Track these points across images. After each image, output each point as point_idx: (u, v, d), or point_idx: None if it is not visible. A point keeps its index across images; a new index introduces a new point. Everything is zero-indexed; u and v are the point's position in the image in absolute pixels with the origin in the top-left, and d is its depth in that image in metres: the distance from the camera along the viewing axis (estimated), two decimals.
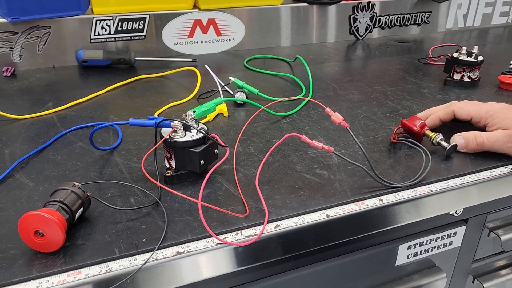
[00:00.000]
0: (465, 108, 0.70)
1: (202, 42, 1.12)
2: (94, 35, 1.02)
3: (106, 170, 0.63)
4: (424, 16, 1.31)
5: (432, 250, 0.67)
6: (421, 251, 0.66)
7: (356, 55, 1.19)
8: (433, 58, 1.10)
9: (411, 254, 0.65)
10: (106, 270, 0.46)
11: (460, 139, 0.67)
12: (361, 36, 1.26)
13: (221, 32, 1.12)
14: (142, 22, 1.05)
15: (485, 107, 0.69)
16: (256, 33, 1.16)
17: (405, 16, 1.29)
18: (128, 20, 1.03)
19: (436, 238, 0.66)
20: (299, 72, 1.02)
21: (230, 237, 0.51)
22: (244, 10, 1.13)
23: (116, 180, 0.60)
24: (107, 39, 1.03)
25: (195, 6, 1.09)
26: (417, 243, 0.65)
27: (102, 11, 1.01)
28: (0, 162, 0.64)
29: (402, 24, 1.29)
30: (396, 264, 0.65)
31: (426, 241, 0.65)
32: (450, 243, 0.68)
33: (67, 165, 0.64)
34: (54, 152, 0.67)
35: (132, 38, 1.05)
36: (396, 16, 1.28)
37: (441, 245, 0.67)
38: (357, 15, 1.23)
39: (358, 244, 0.58)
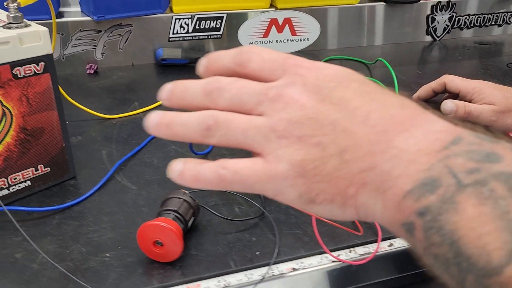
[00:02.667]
0: (455, 81, 0.75)
1: (276, 41, 1.10)
2: (173, 33, 1.02)
3: None
4: (506, 17, 1.25)
5: None
6: None
7: (435, 57, 1.15)
8: None
9: None
10: (225, 285, 0.46)
11: (451, 104, 0.70)
12: (438, 37, 1.21)
13: (296, 31, 1.10)
14: (220, 21, 1.04)
15: (474, 83, 0.74)
16: (331, 33, 1.13)
17: (486, 16, 1.23)
18: (206, 19, 1.03)
19: None
20: (379, 75, 0.99)
21: (344, 255, 0.50)
22: (320, 9, 1.10)
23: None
24: (185, 38, 1.03)
25: (271, 5, 1.08)
26: None
27: (182, 9, 1.01)
28: (99, 163, 0.65)
29: (482, 24, 1.23)
30: None
31: None
32: None
33: (164, 169, 0.64)
34: (149, 155, 0.68)
35: (209, 37, 1.05)
36: (477, 16, 1.22)
37: None
38: (435, 15, 1.18)
39: None
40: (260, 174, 0.30)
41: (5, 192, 0.55)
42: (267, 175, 0.30)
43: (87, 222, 0.53)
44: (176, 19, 1.01)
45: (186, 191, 0.52)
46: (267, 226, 0.53)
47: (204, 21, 1.03)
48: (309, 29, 1.11)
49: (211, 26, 1.04)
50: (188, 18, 1.02)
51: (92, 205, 0.56)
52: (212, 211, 0.53)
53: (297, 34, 1.11)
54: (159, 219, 0.47)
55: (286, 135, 0.30)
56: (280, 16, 1.08)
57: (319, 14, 1.10)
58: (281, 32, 1.09)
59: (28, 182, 0.57)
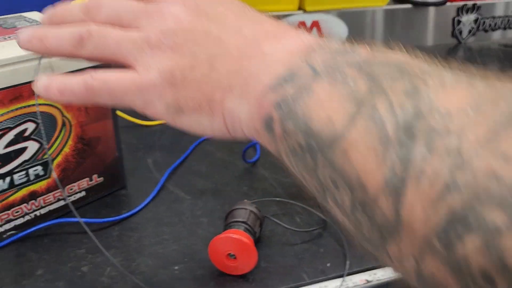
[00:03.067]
0: None
1: None
2: None
3: (257, 184, 0.62)
4: None
5: None
6: None
7: (460, 59, 1.14)
8: None
9: None
10: None
11: None
12: (463, 39, 1.21)
13: (324, 34, 1.09)
14: None
15: None
16: (358, 35, 1.13)
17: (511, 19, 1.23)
18: None
19: None
20: None
21: None
22: (348, 11, 1.09)
23: (279, 197, 0.58)
24: None
25: (300, 8, 1.07)
26: None
27: None
28: (146, 171, 0.64)
29: (508, 27, 1.23)
30: None
31: None
32: None
33: (215, 178, 0.63)
34: (196, 163, 0.67)
35: None
36: (502, 18, 1.22)
37: None
38: (461, 17, 1.18)
39: None
40: (130, 84, 0.31)
41: (62, 203, 0.54)
42: (137, 85, 0.31)
43: (148, 234, 0.52)
44: None
45: (251, 202, 0.51)
46: (331, 236, 0.52)
47: None
48: (337, 32, 1.10)
49: None
50: None
51: (149, 215, 0.55)
52: (279, 221, 0.52)
53: (324, 36, 1.10)
54: (230, 231, 0.46)
55: (159, 46, 0.30)
56: (308, 19, 1.07)
57: (347, 16, 1.09)
58: None
59: (83, 193, 0.56)
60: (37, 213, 0.52)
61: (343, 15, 1.09)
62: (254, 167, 0.66)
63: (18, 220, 0.51)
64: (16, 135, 0.47)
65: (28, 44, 0.34)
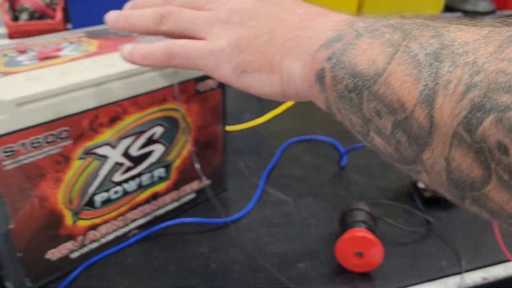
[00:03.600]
0: None
1: None
2: None
3: (352, 188, 0.64)
4: None
5: None
6: None
7: None
8: None
9: None
10: None
11: None
12: None
13: None
14: None
15: None
16: None
17: None
18: None
19: None
20: None
21: None
22: None
23: (385, 199, 0.60)
24: None
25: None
26: None
27: None
28: (241, 175, 0.66)
29: None
30: None
31: None
32: None
33: (309, 181, 0.65)
34: (286, 166, 0.69)
35: None
36: None
37: None
38: None
39: None
40: (204, 49, 0.38)
41: (175, 204, 0.57)
42: (209, 49, 0.38)
43: (262, 234, 0.54)
44: None
45: (364, 203, 0.53)
46: (437, 236, 0.54)
47: None
48: None
49: None
50: None
51: (257, 217, 0.58)
52: (391, 221, 0.54)
53: None
54: (355, 230, 0.48)
55: (228, 21, 0.38)
56: None
57: None
58: None
59: (193, 195, 0.58)
60: (157, 213, 0.55)
61: None
62: (343, 172, 0.68)
63: (141, 220, 0.53)
64: (147, 139, 0.50)
65: (115, 23, 0.42)
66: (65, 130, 0.42)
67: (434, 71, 0.25)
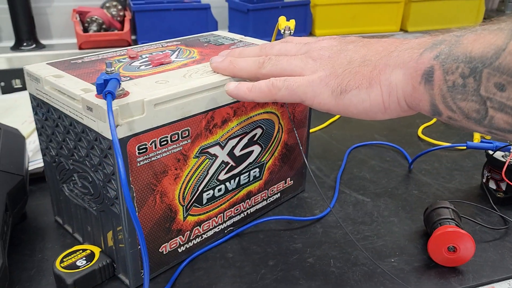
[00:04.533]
0: None
1: None
2: None
3: (425, 189, 0.67)
4: None
5: None
6: None
7: None
8: None
9: None
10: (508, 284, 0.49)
11: None
12: None
13: None
14: None
15: None
16: None
17: None
18: None
19: None
20: None
21: None
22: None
23: (466, 200, 0.63)
24: None
25: (401, 29, 1.13)
26: None
27: (323, 33, 1.07)
28: (314, 176, 0.69)
29: None
30: None
31: None
32: None
33: (381, 183, 0.68)
34: (355, 169, 0.72)
35: None
36: None
37: None
38: None
39: None
40: (303, 80, 0.42)
41: (264, 203, 0.60)
42: (308, 80, 0.42)
43: (350, 231, 0.57)
44: None
45: (449, 202, 0.56)
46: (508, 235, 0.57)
47: None
48: None
49: None
50: None
51: (340, 215, 0.60)
52: (474, 220, 0.57)
53: None
54: (447, 226, 0.51)
55: (320, 57, 0.42)
56: None
57: None
58: None
59: (278, 194, 0.61)
60: (248, 211, 0.58)
61: None
62: (411, 174, 0.71)
63: (237, 217, 0.56)
64: (249, 139, 0.53)
65: (221, 63, 0.48)
66: (186, 130, 0.46)
67: None
